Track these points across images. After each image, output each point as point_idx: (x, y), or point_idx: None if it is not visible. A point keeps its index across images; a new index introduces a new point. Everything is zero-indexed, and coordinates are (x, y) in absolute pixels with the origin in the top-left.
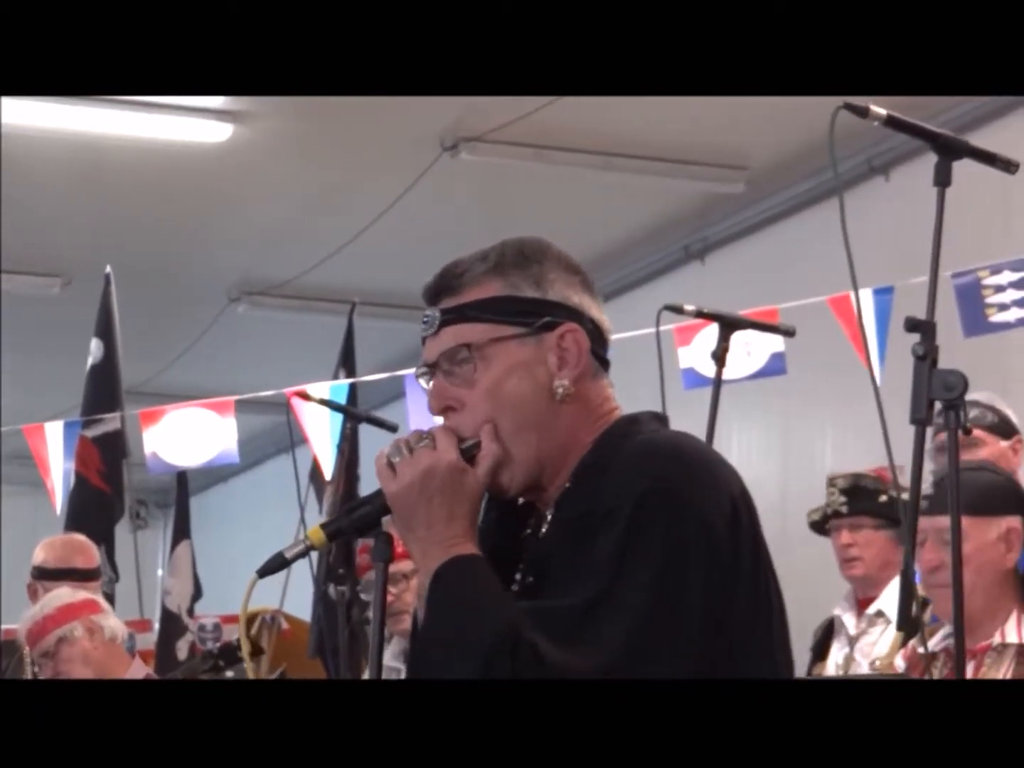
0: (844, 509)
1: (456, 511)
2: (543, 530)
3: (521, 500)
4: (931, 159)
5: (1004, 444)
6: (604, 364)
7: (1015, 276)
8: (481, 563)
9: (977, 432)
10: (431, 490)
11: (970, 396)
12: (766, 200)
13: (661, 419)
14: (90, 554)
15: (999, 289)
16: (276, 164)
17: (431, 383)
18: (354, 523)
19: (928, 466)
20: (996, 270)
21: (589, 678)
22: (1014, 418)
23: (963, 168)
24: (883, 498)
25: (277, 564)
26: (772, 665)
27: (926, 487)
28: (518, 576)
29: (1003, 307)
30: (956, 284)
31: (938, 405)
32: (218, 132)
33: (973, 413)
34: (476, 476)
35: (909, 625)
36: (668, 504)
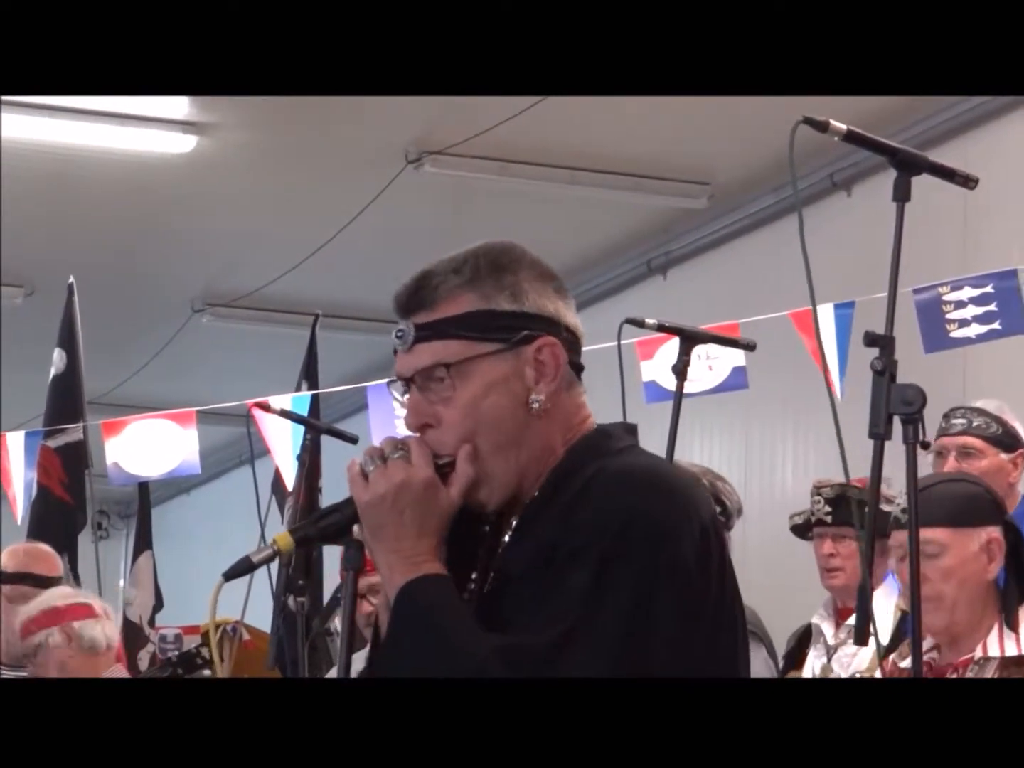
0: (828, 519)
1: (426, 528)
2: (506, 537)
3: None
4: (892, 175)
5: (1004, 457)
6: (579, 371)
7: (975, 292)
8: (448, 584)
9: (976, 442)
10: (403, 504)
11: (979, 404)
12: (729, 215)
13: (631, 431)
14: (51, 563)
15: (960, 305)
16: (240, 176)
17: (406, 397)
18: (322, 530)
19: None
20: (957, 286)
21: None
22: (1021, 431)
23: (925, 185)
24: (868, 509)
25: (244, 568)
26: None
27: (904, 500)
28: (474, 576)
29: (964, 323)
30: (917, 300)
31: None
32: (182, 144)
33: (977, 422)
34: (449, 495)
35: (865, 640)
36: (642, 536)
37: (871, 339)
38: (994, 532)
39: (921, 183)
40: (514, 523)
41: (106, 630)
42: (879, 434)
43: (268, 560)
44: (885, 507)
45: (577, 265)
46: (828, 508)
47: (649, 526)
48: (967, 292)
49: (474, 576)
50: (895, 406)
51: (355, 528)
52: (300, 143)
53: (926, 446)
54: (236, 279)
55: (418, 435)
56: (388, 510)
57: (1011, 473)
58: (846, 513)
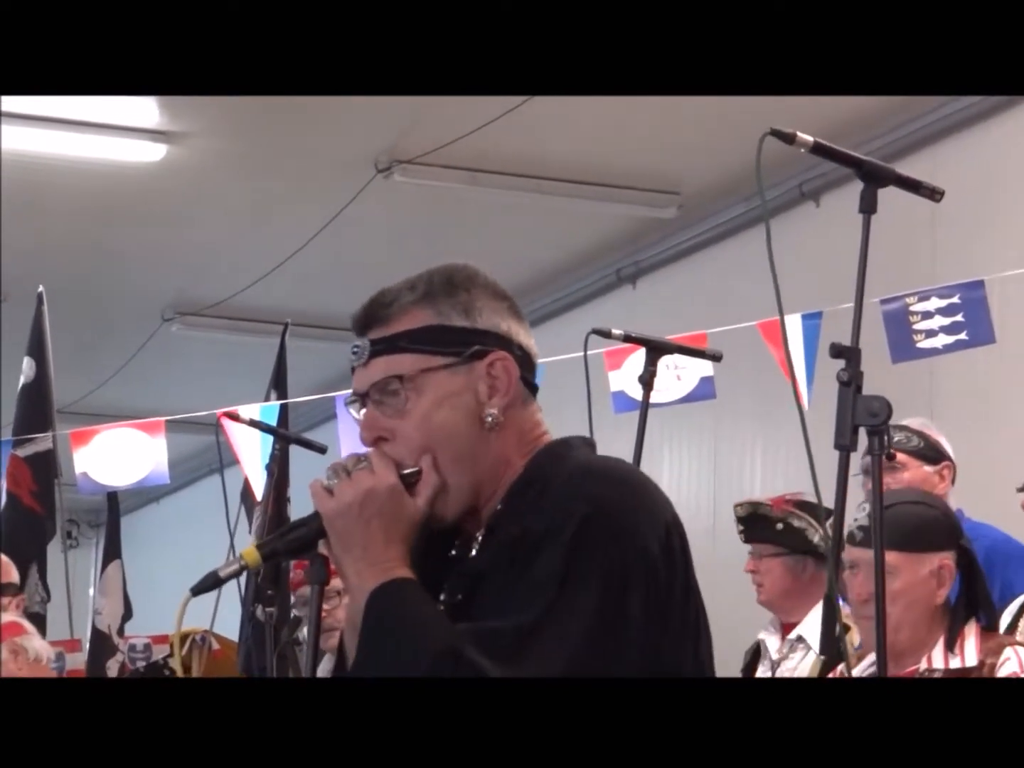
0: (742, 537)
1: (393, 535)
2: (473, 551)
3: None
4: (860, 186)
5: (929, 469)
6: (533, 389)
7: (942, 303)
8: (417, 586)
9: (900, 456)
10: (370, 512)
11: (902, 421)
12: (698, 225)
13: (590, 444)
14: (7, 570)
15: (926, 315)
16: (210, 184)
17: (362, 412)
18: (288, 544)
19: (861, 496)
20: (924, 297)
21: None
22: (946, 445)
23: (893, 196)
24: (780, 526)
25: (211, 583)
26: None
27: (863, 518)
28: (443, 596)
29: (931, 333)
30: (884, 310)
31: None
32: (152, 152)
33: (897, 437)
34: (415, 503)
35: (833, 650)
36: (608, 529)
37: (837, 351)
38: (946, 558)
39: (891, 193)
40: (480, 537)
41: (41, 644)
42: (844, 445)
43: (235, 575)
44: (797, 523)
45: (547, 275)
46: (740, 527)
47: (616, 516)
48: (934, 303)
49: (443, 597)
50: (861, 417)
51: (320, 543)
52: (270, 152)
53: (891, 457)
54: (206, 288)
55: (376, 448)
56: (355, 519)
57: (937, 485)
58: (758, 531)
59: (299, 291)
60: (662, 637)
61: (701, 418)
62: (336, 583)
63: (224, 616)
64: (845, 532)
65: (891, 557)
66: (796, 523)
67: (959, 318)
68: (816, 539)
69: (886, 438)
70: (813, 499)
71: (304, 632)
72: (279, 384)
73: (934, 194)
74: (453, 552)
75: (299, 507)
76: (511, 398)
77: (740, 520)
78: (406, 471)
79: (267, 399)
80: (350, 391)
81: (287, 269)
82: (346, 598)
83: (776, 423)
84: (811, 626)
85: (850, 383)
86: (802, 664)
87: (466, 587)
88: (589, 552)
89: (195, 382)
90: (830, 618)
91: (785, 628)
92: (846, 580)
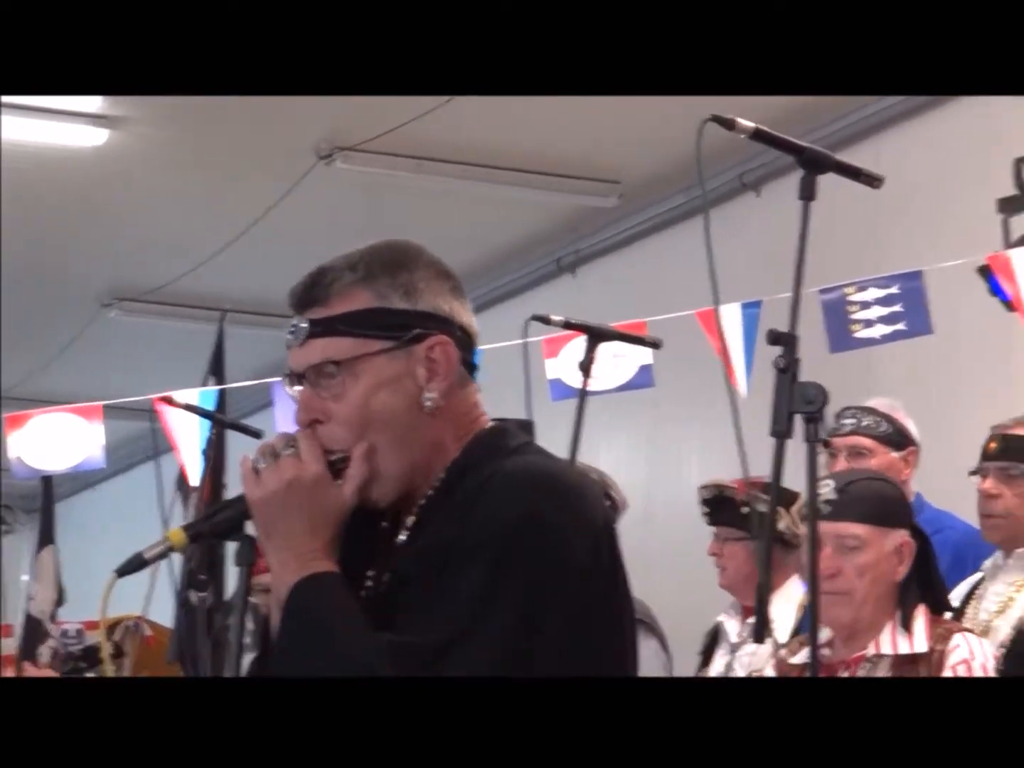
0: (707, 520)
1: (317, 525)
2: (403, 535)
3: None
4: (799, 176)
5: (895, 455)
6: (472, 369)
7: (881, 293)
8: (338, 582)
9: (866, 441)
10: (293, 502)
11: (870, 402)
12: (638, 214)
13: (527, 428)
14: None
15: (865, 306)
16: (151, 170)
17: (296, 390)
18: (215, 526)
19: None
20: (862, 287)
21: None
22: (912, 429)
23: (834, 187)
24: (745, 510)
25: (136, 564)
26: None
27: (828, 492)
28: (370, 574)
29: (868, 323)
30: (823, 299)
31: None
32: (93, 137)
33: (866, 422)
34: (341, 493)
35: (763, 638)
36: (535, 539)
37: (774, 337)
38: (905, 536)
39: (831, 183)
40: (409, 522)
41: None
42: (780, 432)
43: (161, 556)
44: (761, 507)
45: (487, 262)
46: (706, 509)
47: (542, 531)
48: (873, 293)
49: (370, 574)
50: (797, 404)
51: (249, 524)
52: (211, 138)
53: (827, 444)
54: (145, 274)
55: (308, 431)
56: (279, 508)
57: (903, 471)
58: (724, 514)
59: (239, 278)
60: (583, 648)
61: (639, 406)
62: None
63: (156, 602)
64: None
65: (861, 530)
66: (761, 507)
67: (897, 308)
68: (781, 525)
69: (821, 425)
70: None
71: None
72: (217, 370)
73: (873, 181)
74: (384, 523)
75: (234, 492)
76: (450, 382)
77: (705, 502)
78: (333, 457)
79: (204, 385)
80: (284, 374)
81: (227, 256)
82: None
83: (713, 411)
84: (772, 611)
85: (786, 370)
86: (762, 649)
87: (391, 582)
88: (515, 567)
89: (134, 368)
90: (761, 604)
91: (745, 611)
92: (804, 559)
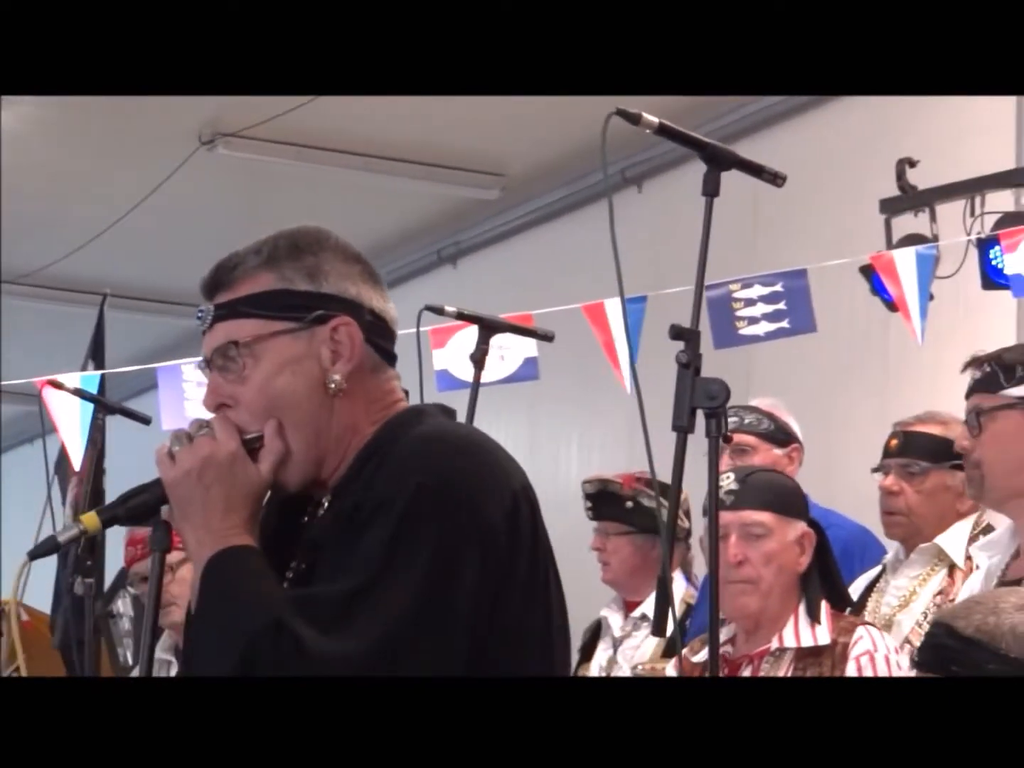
0: (589, 514)
1: (233, 502)
2: (318, 517)
3: None
4: (683, 172)
5: (778, 452)
6: (388, 356)
7: (765, 291)
8: (253, 554)
9: (750, 439)
10: (209, 479)
11: (752, 401)
12: (520, 207)
13: (448, 412)
14: None
15: (749, 303)
16: (32, 150)
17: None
18: (130, 511)
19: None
20: (747, 284)
21: (343, 666)
22: (795, 426)
23: (722, 183)
24: (629, 504)
25: (49, 547)
26: (548, 658)
27: (729, 483)
28: (292, 564)
29: (753, 320)
30: (708, 296)
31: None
32: None
33: (748, 419)
34: (258, 469)
35: (664, 632)
36: (442, 498)
37: (676, 332)
38: (805, 527)
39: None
40: (325, 503)
41: None
42: (682, 427)
43: (74, 540)
44: (647, 502)
45: (368, 252)
46: (589, 503)
47: (453, 485)
48: (757, 290)
49: (292, 565)
50: (699, 400)
51: (163, 509)
52: (93, 120)
53: (728, 439)
54: (23, 256)
55: (220, 414)
56: (194, 485)
57: (787, 467)
58: (607, 508)
59: (118, 262)
60: (501, 608)
61: (520, 399)
62: (168, 557)
63: (33, 587)
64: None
65: (767, 518)
66: (646, 502)
67: (781, 306)
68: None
69: (724, 420)
70: (660, 479)
71: (120, 605)
72: (96, 354)
73: (776, 179)
74: (305, 519)
75: (114, 477)
76: (355, 364)
77: (588, 497)
78: (248, 436)
79: (84, 369)
80: (171, 362)
81: (107, 239)
82: (179, 571)
83: (594, 407)
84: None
85: (689, 365)
86: (645, 643)
87: (307, 555)
88: (421, 522)
89: (10, 351)
90: (662, 598)
91: (628, 606)
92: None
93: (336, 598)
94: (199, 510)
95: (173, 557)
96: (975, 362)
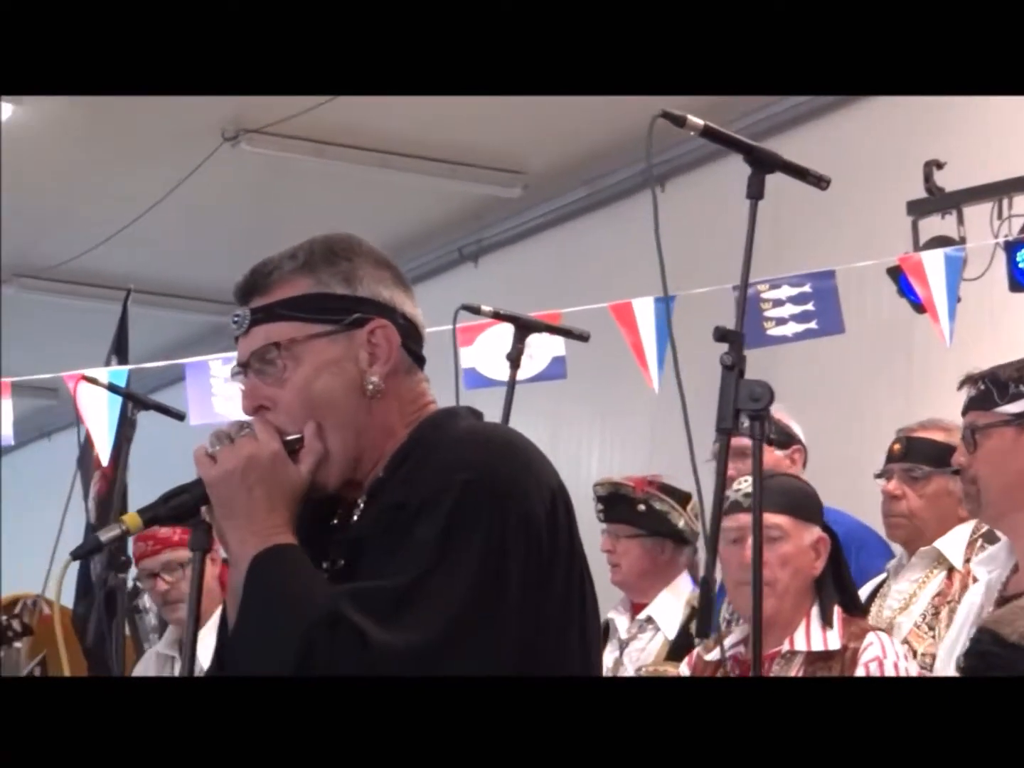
0: (601, 516)
1: (276, 501)
2: (355, 517)
3: None
4: (705, 172)
5: (779, 454)
6: (419, 360)
7: (793, 291)
8: (299, 552)
9: (749, 441)
10: (252, 478)
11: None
12: (542, 205)
13: (476, 414)
14: None
15: (777, 303)
16: (57, 146)
17: (245, 382)
18: (171, 510)
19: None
20: (775, 284)
21: (406, 659)
22: (796, 428)
23: (740, 182)
24: (641, 508)
25: (93, 546)
26: (585, 656)
27: (748, 486)
28: (326, 564)
29: (781, 321)
30: (736, 297)
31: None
32: None
33: (747, 424)
34: (298, 470)
35: (707, 633)
36: (489, 493)
37: (721, 334)
38: (820, 532)
39: (735, 181)
40: (361, 504)
41: None
42: (726, 428)
43: (117, 539)
44: (658, 505)
45: (389, 249)
46: (600, 506)
47: (498, 481)
48: (786, 291)
49: (325, 565)
50: (743, 402)
51: (203, 509)
52: (117, 116)
53: (771, 442)
54: (46, 250)
55: (260, 415)
56: (237, 485)
57: (789, 469)
58: (618, 511)
59: (142, 257)
60: (544, 602)
61: (543, 399)
62: (178, 555)
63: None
64: (729, 501)
65: (783, 521)
66: (658, 506)
67: (810, 307)
68: (681, 523)
69: (768, 423)
70: (672, 483)
71: (146, 599)
72: (120, 349)
73: (820, 182)
74: (335, 521)
75: (137, 474)
76: (392, 366)
77: (600, 499)
78: (289, 438)
79: (107, 364)
80: (198, 358)
81: (130, 235)
82: (189, 570)
83: (618, 408)
84: (661, 608)
85: (733, 367)
86: (650, 645)
87: (347, 552)
88: (470, 516)
89: (32, 345)
90: (706, 599)
91: (635, 608)
92: (725, 552)
93: (391, 592)
94: (242, 510)
95: (184, 555)
96: (970, 380)
